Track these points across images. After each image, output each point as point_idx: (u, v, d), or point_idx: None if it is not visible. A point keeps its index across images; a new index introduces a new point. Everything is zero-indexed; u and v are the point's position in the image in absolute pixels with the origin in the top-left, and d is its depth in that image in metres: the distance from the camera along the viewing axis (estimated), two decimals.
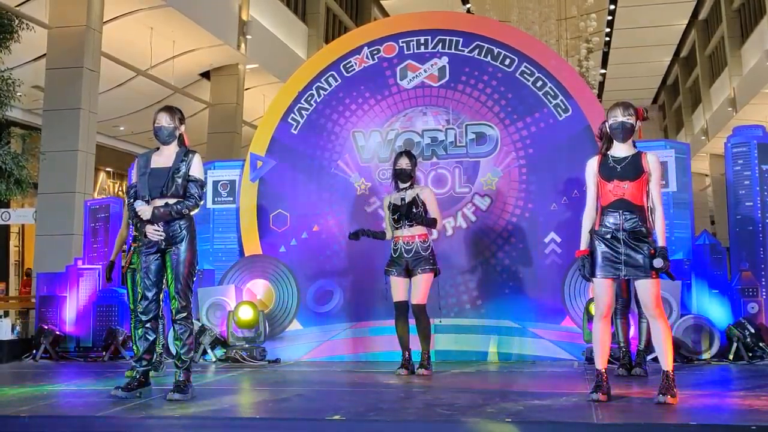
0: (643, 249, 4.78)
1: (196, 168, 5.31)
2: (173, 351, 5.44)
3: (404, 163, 6.85)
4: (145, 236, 5.23)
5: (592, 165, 5.03)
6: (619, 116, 4.93)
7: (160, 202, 5.22)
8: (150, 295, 5.27)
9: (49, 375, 7.18)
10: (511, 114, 8.24)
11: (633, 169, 4.89)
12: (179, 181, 5.24)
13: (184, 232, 5.23)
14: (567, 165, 7.92)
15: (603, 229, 4.88)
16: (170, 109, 5.42)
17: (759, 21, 19.73)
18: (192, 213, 5.29)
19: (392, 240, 6.85)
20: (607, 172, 4.92)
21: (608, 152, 5.01)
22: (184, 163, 5.29)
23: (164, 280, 5.30)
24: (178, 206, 5.20)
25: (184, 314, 5.21)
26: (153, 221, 5.18)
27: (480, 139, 8.27)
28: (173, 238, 5.22)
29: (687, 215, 7.87)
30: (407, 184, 6.85)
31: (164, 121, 5.35)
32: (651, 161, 4.93)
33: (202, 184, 5.33)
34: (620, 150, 4.97)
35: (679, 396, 4.74)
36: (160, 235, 5.20)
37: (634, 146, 5.06)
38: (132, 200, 5.32)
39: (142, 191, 5.27)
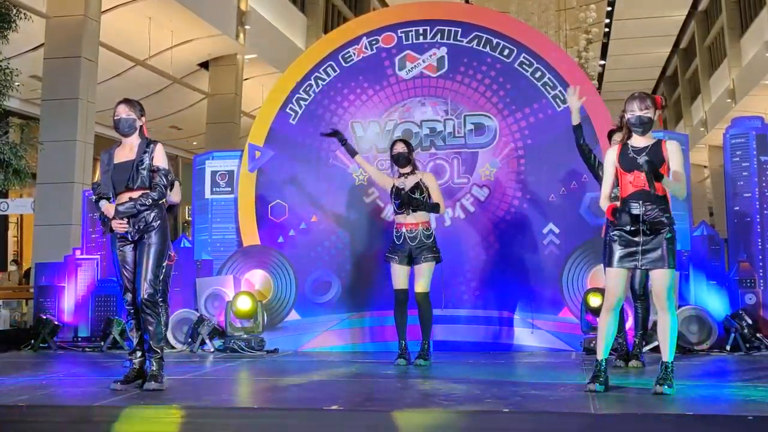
0: (661, 240, 4.75)
1: (159, 157, 5.29)
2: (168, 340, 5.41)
3: (400, 147, 6.84)
4: (112, 230, 5.24)
5: (612, 155, 4.95)
6: (636, 111, 4.83)
7: (124, 197, 5.23)
8: (132, 287, 5.27)
9: (47, 365, 7.20)
10: (509, 105, 8.23)
11: (653, 159, 4.79)
12: (144, 173, 5.23)
13: (153, 222, 5.23)
14: (565, 156, 7.90)
15: (623, 219, 4.81)
16: (129, 101, 5.39)
17: (759, 12, 19.66)
18: (161, 201, 5.28)
19: (395, 227, 6.84)
20: (627, 162, 4.84)
21: (628, 141, 4.92)
22: (147, 154, 5.27)
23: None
24: (142, 199, 5.19)
25: (151, 302, 5.18)
26: (117, 217, 5.18)
27: (478, 130, 8.26)
28: (145, 229, 5.22)
29: (685, 207, 7.86)
30: (407, 170, 6.84)
31: (123, 112, 5.32)
32: (669, 149, 4.84)
33: (166, 173, 5.30)
34: (640, 140, 4.88)
35: (677, 386, 4.75)
36: (125, 227, 5.20)
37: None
38: (96, 198, 5.35)
39: (105, 189, 5.29)
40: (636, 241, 4.79)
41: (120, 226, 5.20)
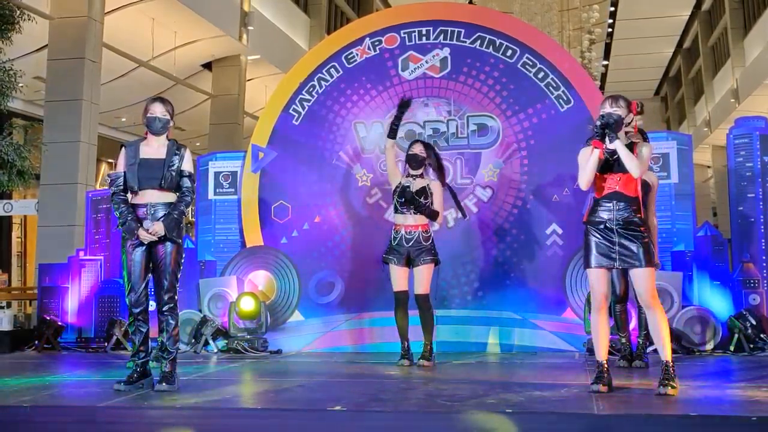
0: (637, 239, 4.79)
1: (188, 163, 5.36)
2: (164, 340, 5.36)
3: (418, 149, 6.86)
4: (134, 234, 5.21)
5: (587, 151, 4.94)
6: (606, 108, 4.91)
7: (151, 195, 5.23)
8: (139, 288, 5.26)
9: (51, 365, 7.21)
10: (512, 105, 8.23)
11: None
12: (173, 173, 5.27)
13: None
14: (569, 156, 7.81)
15: (596, 219, 4.89)
16: (164, 101, 5.42)
17: (762, 12, 19.64)
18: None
19: (393, 227, 6.86)
20: (603, 164, 4.89)
21: (603, 144, 4.95)
22: (177, 156, 5.31)
23: (150, 273, 5.30)
24: (181, 207, 5.26)
25: (171, 305, 5.23)
26: (168, 234, 5.18)
27: (481, 131, 8.26)
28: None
29: (689, 207, 7.86)
30: (418, 172, 6.85)
31: (159, 111, 5.34)
32: (639, 149, 4.90)
33: (194, 179, 5.42)
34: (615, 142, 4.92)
35: (680, 387, 4.74)
36: (160, 236, 5.20)
37: (644, 137, 5.01)
38: (120, 189, 5.29)
39: (132, 181, 5.26)
40: (612, 240, 4.82)
41: (153, 234, 5.17)
